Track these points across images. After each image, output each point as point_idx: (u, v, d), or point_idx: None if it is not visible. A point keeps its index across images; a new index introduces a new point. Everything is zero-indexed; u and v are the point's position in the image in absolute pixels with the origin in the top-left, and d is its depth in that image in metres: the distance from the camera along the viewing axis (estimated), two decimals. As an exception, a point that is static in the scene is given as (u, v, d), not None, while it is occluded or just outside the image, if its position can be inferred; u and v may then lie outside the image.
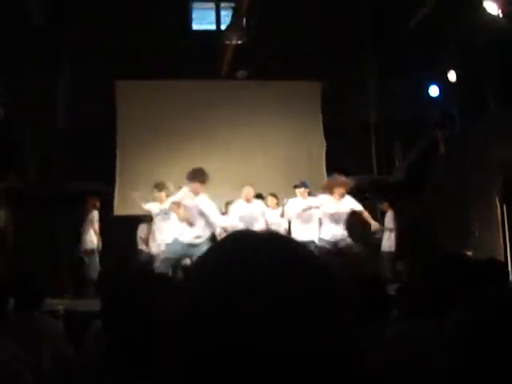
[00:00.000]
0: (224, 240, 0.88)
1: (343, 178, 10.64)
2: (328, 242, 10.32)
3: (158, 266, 9.50)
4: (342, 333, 0.77)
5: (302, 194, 10.83)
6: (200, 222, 9.59)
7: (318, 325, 0.75)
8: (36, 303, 4.38)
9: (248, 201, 10.72)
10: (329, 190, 10.52)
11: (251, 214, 10.64)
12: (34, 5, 12.09)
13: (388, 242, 13.03)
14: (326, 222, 10.45)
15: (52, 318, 4.87)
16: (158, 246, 10.66)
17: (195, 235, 9.51)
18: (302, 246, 0.85)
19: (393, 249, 12.99)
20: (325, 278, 0.80)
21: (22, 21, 12.39)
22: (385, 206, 13.36)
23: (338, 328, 0.77)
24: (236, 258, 0.80)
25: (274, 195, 11.51)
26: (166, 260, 9.55)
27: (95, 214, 12.09)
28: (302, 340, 0.73)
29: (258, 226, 10.30)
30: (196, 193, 9.59)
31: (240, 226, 10.36)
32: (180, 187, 10.71)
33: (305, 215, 10.69)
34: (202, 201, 9.59)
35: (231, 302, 0.75)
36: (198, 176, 9.63)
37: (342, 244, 10.33)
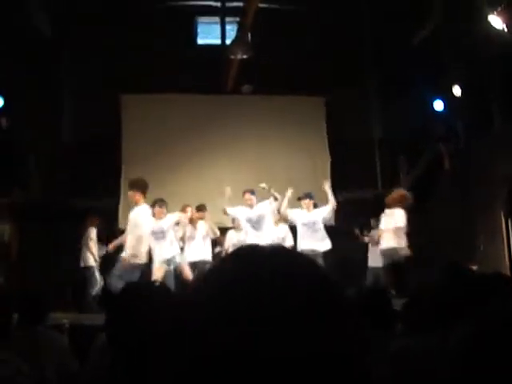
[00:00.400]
0: (228, 256, 0.89)
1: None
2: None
3: (109, 281, 9.30)
4: (342, 339, 0.78)
5: (307, 206, 10.79)
6: (131, 236, 9.34)
7: (320, 333, 0.76)
8: (40, 318, 4.37)
9: (251, 206, 10.66)
10: (402, 203, 10.73)
11: (257, 216, 10.57)
12: (36, 9, 12.11)
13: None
14: (402, 235, 10.53)
15: (57, 332, 4.86)
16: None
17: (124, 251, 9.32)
18: (306, 259, 0.86)
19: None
20: (326, 290, 0.81)
21: (25, 31, 12.46)
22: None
23: (338, 335, 0.78)
24: (240, 273, 0.80)
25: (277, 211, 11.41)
26: (114, 276, 9.25)
27: (93, 232, 12.02)
28: (303, 347, 0.74)
29: (267, 224, 10.40)
30: (135, 203, 9.45)
31: (247, 228, 10.48)
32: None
33: (310, 224, 10.66)
34: (139, 211, 9.39)
35: (235, 316, 0.75)
36: (139, 186, 9.49)
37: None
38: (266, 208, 10.69)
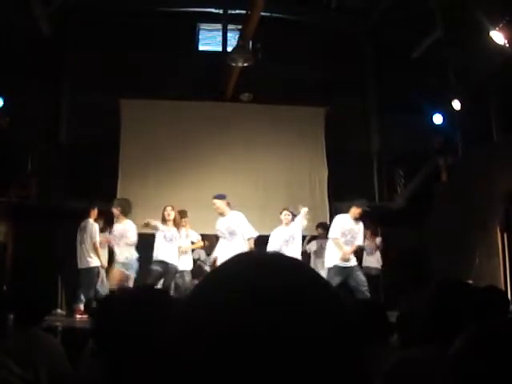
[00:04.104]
0: (229, 261, 0.85)
1: None
2: None
3: None
4: (343, 353, 0.75)
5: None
6: None
7: (317, 351, 0.72)
8: (36, 320, 4.34)
9: (222, 214, 10.36)
10: None
11: (227, 227, 10.27)
12: (36, 9, 12.11)
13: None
14: None
15: (50, 335, 4.84)
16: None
17: None
18: (308, 269, 0.83)
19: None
20: (331, 305, 0.77)
21: (25, 31, 12.48)
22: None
23: (338, 348, 0.74)
24: (222, 290, 0.76)
25: (288, 211, 11.18)
26: None
27: (95, 227, 11.12)
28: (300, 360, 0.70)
29: (236, 238, 10.16)
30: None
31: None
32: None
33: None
34: None
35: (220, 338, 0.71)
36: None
37: None
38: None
